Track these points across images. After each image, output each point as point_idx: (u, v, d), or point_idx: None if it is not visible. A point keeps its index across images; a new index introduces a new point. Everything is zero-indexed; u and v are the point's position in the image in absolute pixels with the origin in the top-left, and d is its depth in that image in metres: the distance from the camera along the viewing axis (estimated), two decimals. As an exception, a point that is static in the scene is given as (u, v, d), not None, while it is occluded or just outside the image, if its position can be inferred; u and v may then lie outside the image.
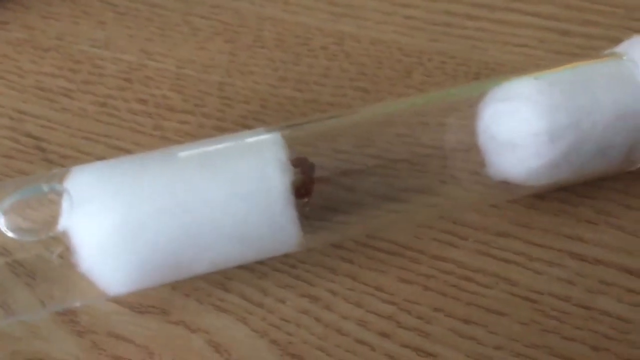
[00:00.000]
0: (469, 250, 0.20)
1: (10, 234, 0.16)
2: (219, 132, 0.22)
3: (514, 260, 0.19)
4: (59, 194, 0.17)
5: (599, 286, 0.19)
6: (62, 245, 0.16)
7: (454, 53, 0.24)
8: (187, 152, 0.18)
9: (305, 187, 0.18)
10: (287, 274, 0.19)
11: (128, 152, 0.22)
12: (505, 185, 0.19)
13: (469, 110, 0.19)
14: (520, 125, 0.18)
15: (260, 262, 0.19)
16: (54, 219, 0.16)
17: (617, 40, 0.20)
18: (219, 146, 0.18)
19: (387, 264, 0.19)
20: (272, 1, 0.26)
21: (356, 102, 0.23)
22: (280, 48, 0.25)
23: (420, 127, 0.20)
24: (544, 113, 0.18)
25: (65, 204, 0.16)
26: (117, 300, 0.19)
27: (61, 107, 0.23)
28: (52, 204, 0.17)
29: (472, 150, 0.19)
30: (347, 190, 0.19)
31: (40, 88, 0.24)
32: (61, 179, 0.17)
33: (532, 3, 0.26)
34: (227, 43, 0.25)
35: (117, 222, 0.16)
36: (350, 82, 0.24)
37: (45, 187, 0.17)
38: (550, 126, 0.18)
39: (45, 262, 0.17)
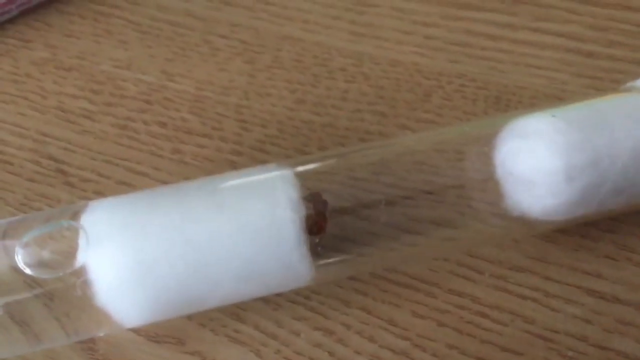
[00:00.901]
0: (485, 285, 0.19)
1: (27, 271, 0.16)
2: (235, 157, 0.23)
3: (530, 296, 0.19)
4: (76, 231, 0.17)
5: (616, 326, 0.18)
6: (82, 277, 0.17)
7: (474, 75, 0.24)
8: (199, 190, 0.18)
9: (318, 224, 0.18)
10: (302, 306, 0.19)
11: (146, 176, 0.22)
12: (523, 219, 0.19)
13: (487, 142, 0.19)
14: (537, 164, 0.18)
15: (275, 293, 0.19)
16: (72, 254, 0.17)
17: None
18: (231, 183, 0.18)
19: (401, 297, 0.19)
20: (291, 20, 0.26)
21: (374, 127, 0.23)
22: (299, 69, 0.25)
23: (438, 157, 0.20)
24: (561, 152, 0.18)
25: (81, 241, 0.17)
26: (134, 329, 0.19)
27: (82, 129, 0.23)
28: (70, 239, 0.17)
29: (490, 183, 0.19)
30: (362, 223, 0.19)
31: (62, 110, 0.24)
32: (77, 214, 0.17)
33: (556, 22, 0.25)
34: (246, 64, 0.25)
35: (129, 259, 0.16)
36: (368, 105, 0.24)
37: (63, 223, 0.17)
38: (566, 165, 0.18)
39: (67, 293, 0.17)
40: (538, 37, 0.25)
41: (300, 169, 0.18)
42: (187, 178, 0.22)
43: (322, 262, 0.18)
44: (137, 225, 0.17)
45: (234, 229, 0.17)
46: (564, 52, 0.25)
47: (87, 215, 0.17)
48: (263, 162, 0.22)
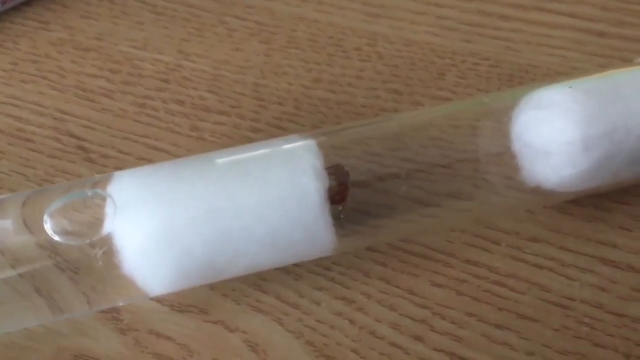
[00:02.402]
0: (501, 255, 0.20)
1: (56, 238, 0.17)
2: (253, 134, 0.23)
3: (546, 265, 0.19)
4: (103, 199, 0.17)
5: (631, 293, 0.19)
6: (106, 247, 0.17)
7: (488, 54, 0.24)
8: (223, 159, 0.18)
9: (340, 194, 0.18)
10: (322, 277, 0.20)
11: (165, 152, 0.23)
12: (539, 191, 0.19)
13: (503, 115, 0.19)
14: (555, 134, 0.18)
15: (296, 264, 0.19)
16: (98, 222, 0.17)
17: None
18: (254, 153, 0.18)
19: (419, 267, 0.20)
20: (306, 1, 0.26)
21: (389, 104, 0.23)
22: (314, 49, 0.25)
23: (454, 131, 0.20)
24: (579, 122, 0.18)
25: (109, 209, 0.17)
26: (158, 299, 0.19)
27: (102, 107, 0.24)
28: (96, 207, 0.17)
29: (505, 156, 0.19)
30: (381, 195, 0.19)
31: (82, 89, 0.24)
32: (104, 184, 0.18)
33: (567, 3, 0.26)
34: (262, 44, 0.25)
35: (155, 227, 0.17)
36: (383, 84, 0.24)
37: (89, 192, 0.18)
38: (584, 135, 0.18)
39: (90, 263, 0.17)
40: (550, 17, 0.25)
41: (323, 139, 0.19)
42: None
43: (343, 231, 0.18)
44: (164, 193, 0.17)
45: (258, 197, 0.17)
46: (575, 31, 0.25)
47: (113, 184, 0.18)
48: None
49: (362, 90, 0.24)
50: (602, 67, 0.24)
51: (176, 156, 0.22)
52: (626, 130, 0.18)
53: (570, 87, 0.19)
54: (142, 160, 0.22)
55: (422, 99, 0.24)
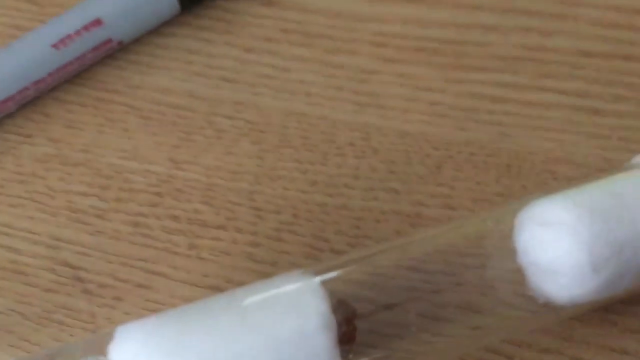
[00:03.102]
0: (515, 371, 0.20)
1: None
2: (252, 248, 0.22)
3: (561, 380, 0.19)
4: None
5: (648, 407, 0.19)
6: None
7: (483, 142, 0.24)
8: (227, 309, 0.18)
9: (349, 334, 0.18)
10: (335, 408, 0.19)
11: (164, 276, 0.22)
12: (549, 306, 0.19)
13: (507, 233, 0.19)
14: (561, 255, 0.18)
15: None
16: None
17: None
18: (256, 298, 0.18)
19: (433, 390, 0.19)
20: (294, 94, 0.26)
21: (388, 206, 0.23)
22: (307, 147, 0.25)
23: (457, 254, 0.20)
24: (585, 244, 0.18)
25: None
26: None
27: (95, 230, 0.23)
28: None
29: (512, 273, 0.19)
30: (389, 325, 0.19)
31: (72, 210, 0.24)
32: (105, 343, 0.17)
33: (560, 79, 0.25)
34: (253, 145, 0.25)
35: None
36: (380, 182, 0.24)
37: (91, 359, 0.17)
38: (591, 258, 0.18)
39: None
40: (543, 96, 0.25)
41: (325, 277, 0.18)
42: (205, 275, 0.22)
43: (353, 370, 0.18)
44: (170, 356, 0.17)
45: (267, 350, 0.17)
46: (570, 110, 0.25)
47: (115, 346, 0.17)
48: (281, 252, 0.22)
49: (360, 192, 0.23)
50: (599, 148, 0.24)
51: (175, 279, 0.22)
52: (633, 249, 0.18)
53: (575, 206, 0.18)
54: (141, 287, 0.22)
55: (421, 197, 0.23)
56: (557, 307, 0.19)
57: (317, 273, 0.18)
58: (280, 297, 0.18)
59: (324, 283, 0.18)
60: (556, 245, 0.18)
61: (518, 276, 0.19)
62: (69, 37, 0.25)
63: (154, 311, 0.21)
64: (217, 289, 0.22)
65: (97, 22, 0.25)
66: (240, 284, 0.19)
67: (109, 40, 0.26)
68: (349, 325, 0.18)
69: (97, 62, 0.27)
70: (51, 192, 0.24)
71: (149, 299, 0.22)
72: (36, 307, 0.22)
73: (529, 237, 0.19)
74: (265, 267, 0.22)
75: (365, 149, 0.24)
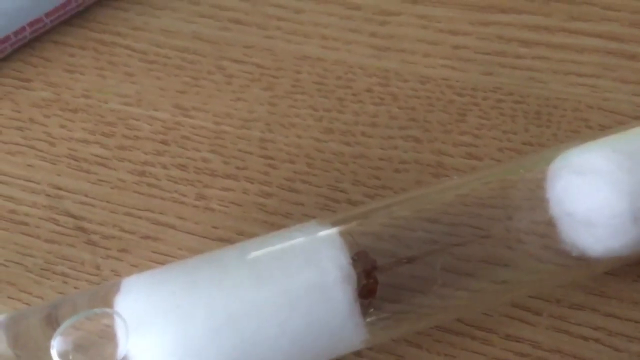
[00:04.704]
0: (544, 327, 0.18)
1: (67, 369, 0.15)
2: (264, 199, 0.21)
3: (592, 337, 0.18)
4: (111, 317, 0.16)
5: (687, 367, 0.18)
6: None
7: (511, 88, 0.22)
8: (239, 262, 0.16)
9: (369, 288, 0.17)
10: (354, 366, 0.18)
11: (172, 227, 0.21)
12: (583, 259, 0.18)
13: (540, 183, 0.18)
14: (599, 205, 0.17)
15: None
16: (109, 342, 0.16)
17: None
18: (272, 250, 0.17)
19: (456, 347, 0.18)
20: (308, 36, 0.24)
21: (408, 155, 0.22)
22: (322, 93, 0.23)
23: (488, 200, 0.18)
24: (625, 193, 0.16)
25: (120, 331, 0.16)
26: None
27: (98, 178, 0.22)
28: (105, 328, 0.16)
29: (545, 224, 0.18)
30: (413, 277, 0.18)
31: (74, 158, 0.22)
32: (111, 294, 0.16)
33: (592, 21, 0.24)
34: (265, 91, 0.23)
35: (173, 346, 0.15)
36: (400, 130, 0.22)
37: (96, 311, 0.16)
38: (632, 207, 0.16)
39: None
40: (575, 40, 0.23)
41: (343, 228, 0.17)
42: (214, 226, 0.21)
43: (373, 326, 0.17)
44: (178, 307, 0.16)
45: (281, 305, 0.16)
46: (604, 55, 0.23)
47: (121, 298, 0.16)
48: (294, 203, 0.21)
49: (378, 140, 0.22)
50: (636, 95, 0.22)
51: (183, 231, 0.21)
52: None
53: (613, 151, 0.17)
54: (147, 238, 0.21)
55: (444, 146, 0.22)
56: (591, 261, 0.18)
57: (334, 224, 0.17)
58: (295, 249, 0.17)
59: (341, 234, 0.17)
60: (594, 194, 0.17)
61: (548, 228, 0.18)
62: (66, -27, 0.23)
63: (161, 263, 0.20)
64: (227, 241, 0.20)
65: (97, -43, 0.23)
66: (252, 236, 0.18)
67: (110, -22, 0.24)
68: (369, 277, 0.17)
69: (97, 1, 0.25)
70: (51, 139, 0.23)
71: (155, 251, 0.21)
72: (38, 258, 0.20)
73: (564, 186, 0.17)
74: (278, 219, 0.21)
75: (384, 95, 0.23)
